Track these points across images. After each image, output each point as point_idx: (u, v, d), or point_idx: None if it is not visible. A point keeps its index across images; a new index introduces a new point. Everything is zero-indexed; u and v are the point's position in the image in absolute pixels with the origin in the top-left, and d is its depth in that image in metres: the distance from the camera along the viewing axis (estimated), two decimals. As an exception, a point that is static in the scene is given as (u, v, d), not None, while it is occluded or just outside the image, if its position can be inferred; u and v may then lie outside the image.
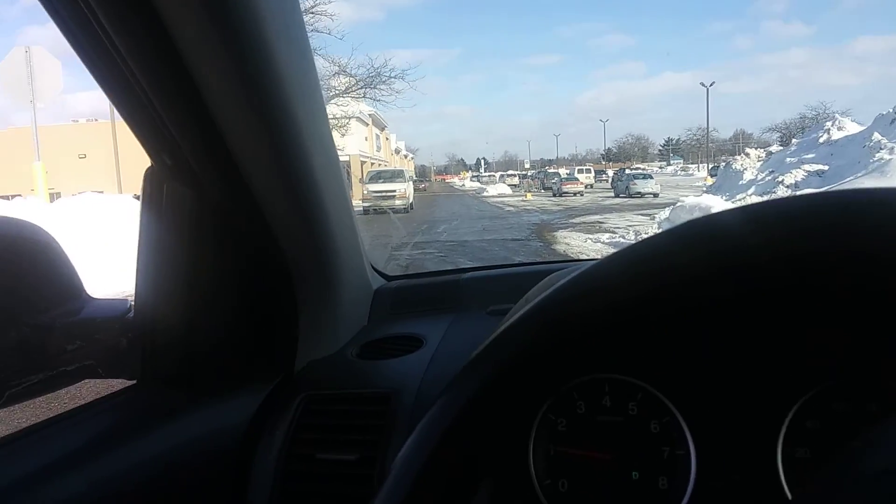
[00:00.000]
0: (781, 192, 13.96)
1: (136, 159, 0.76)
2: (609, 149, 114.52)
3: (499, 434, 0.47)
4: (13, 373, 0.62)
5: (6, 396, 0.61)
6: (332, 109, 24.01)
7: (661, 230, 0.45)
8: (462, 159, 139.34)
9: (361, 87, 22.25)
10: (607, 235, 11.38)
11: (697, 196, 14.59)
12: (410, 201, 22.09)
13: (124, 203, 10.01)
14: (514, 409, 0.49)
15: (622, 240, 10.46)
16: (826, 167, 14.65)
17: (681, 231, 0.41)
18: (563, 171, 48.22)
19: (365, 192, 21.33)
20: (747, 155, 18.68)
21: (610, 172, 51.68)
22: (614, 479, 0.57)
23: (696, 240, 0.41)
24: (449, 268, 4.35)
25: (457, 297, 1.12)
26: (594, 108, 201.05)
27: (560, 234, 12.32)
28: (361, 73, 21.97)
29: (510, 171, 71.20)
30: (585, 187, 35.81)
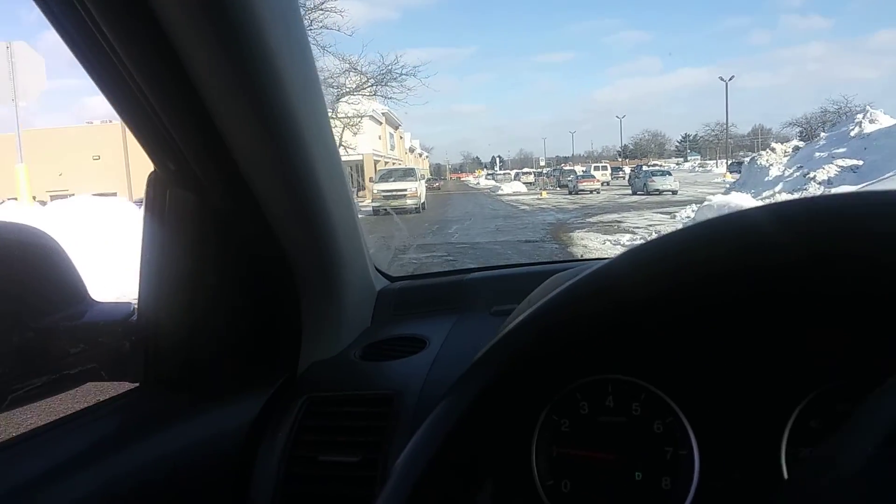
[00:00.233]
0: (813, 190, 13.23)
1: (148, 161, 0.75)
2: (625, 145, 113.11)
3: (502, 435, 0.47)
4: (17, 376, 0.63)
5: (10, 400, 0.62)
6: (343, 108, 23.53)
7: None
8: (477, 157, 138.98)
9: (372, 85, 21.66)
10: (627, 237, 10.68)
11: (725, 194, 13.82)
12: (422, 201, 21.34)
13: (118, 206, 9.58)
14: (517, 411, 0.49)
15: (644, 241, 9.71)
16: (861, 162, 13.79)
17: (701, 228, 0.41)
18: (578, 169, 47.62)
19: (374, 191, 20.65)
20: (773, 150, 17.81)
21: (627, 169, 51.04)
22: (617, 480, 0.57)
23: (719, 237, 0.40)
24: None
25: (460, 298, 1.11)
26: (610, 105, 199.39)
27: (577, 234, 11.69)
28: (372, 71, 21.40)
29: (525, 169, 70.55)
30: (602, 185, 35.41)
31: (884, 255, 0.36)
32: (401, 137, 55.38)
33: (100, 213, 8.50)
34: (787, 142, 19.43)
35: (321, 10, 18.89)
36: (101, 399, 0.74)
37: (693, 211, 14.18)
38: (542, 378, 0.48)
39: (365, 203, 21.73)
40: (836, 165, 13.94)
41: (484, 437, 0.45)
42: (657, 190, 25.76)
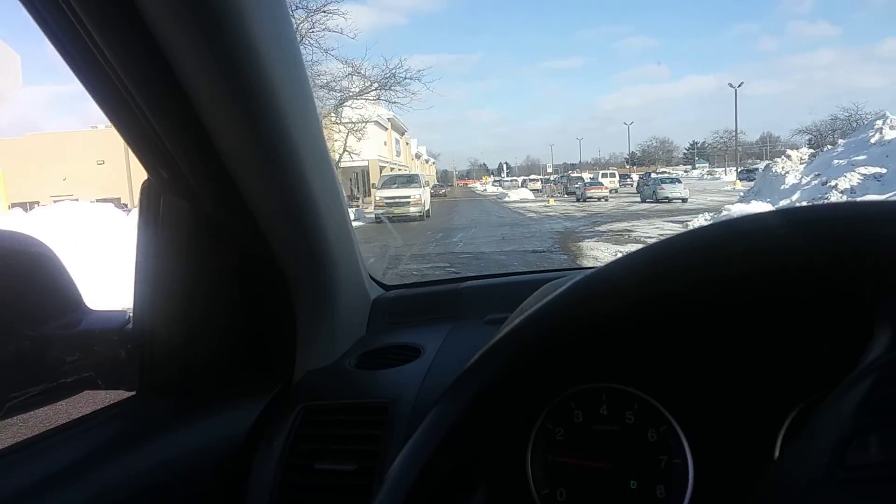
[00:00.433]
0: (836, 198, 12.57)
1: (145, 166, 0.77)
2: (633, 152, 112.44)
3: (495, 442, 0.47)
4: (13, 385, 0.63)
5: (6, 408, 0.62)
6: (347, 112, 23.04)
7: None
8: (484, 164, 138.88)
9: (376, 89, 21.18)
10: (640, 248, 10.03)
11: (745, 203, 13.14)
12: (426, 208, 20.61)
13: (102, 212, 9.12)
14: (511, 418, 0.50)
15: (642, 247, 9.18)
16: (884, 170, 13.17)
17: (715, 228, 0.41)
18: (586, 176, 46.98)
19: (377, 198, 20.05)
20: (788, 157, 17.18)
21: (635, 177, 50.53)
22: (612, 488, 0.57)
23: (730, 239, 0.40)
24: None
25: (455, 307, 1.11)
26: (618, 112, 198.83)
27: (586, 244, 11.17)
28: (376, 75, 20.92)
29: (532, 176, 70.04)
30: (610, 192, 35.06)
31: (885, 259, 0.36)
32: (407, 143, 55.10)
33: (85, 219, 8.10)
34: (795, 149, 18.72)
35: (324, 11, 18.47)
36: (97, 407, 0.74)
37: (706, 220, 13.62)
38: (536, 385, 0.48)
39: (369, 210, 21.21)
40: (858, 174, 13.34)
41: (477, 444, 0.45)
42: (667, 198, 25.39)
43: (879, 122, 15.49)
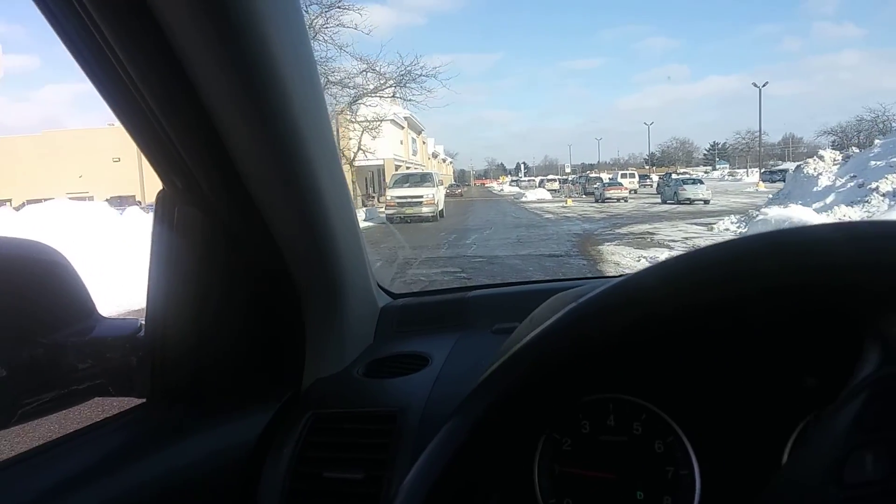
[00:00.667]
0: (877, 202, 11.89)
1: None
2: (653, 153, 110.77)
3: (506, 454, 0.48)
4: (26, 391, 0.64)
5: (19, 415, 0.63)
6: (362, 111, 22.55)
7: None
8: (501, 164, 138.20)
9: (391, 86, 20.65)
10: (665, 252, 9.36)
11: (783, 207, 12.39)
12: (440, 208, 19.89)
13: (96, 210, 8.76)
14: (522, 430, 0.50)
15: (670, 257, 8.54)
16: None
17: (756, 239, 0.40)
18: (605, 176, 46.06)
19: (388, 197, 19.43)
20: (821, 158, 16.27)
21: (654, 177, 49.38)
22: (619, 499, 0.58)
23: (775, 252, 0.39)
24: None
25: (462, 315, 1.10)
26: (637, 112, 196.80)
27: (606, 248, 10.55)
28: (391, 72, 20.39)
29: (550, 176, 69.27)
30: (630, 193, 34.22)
31: None
32: (424, 142, 54.70)
33: (74, 217, 7.79)
34: (817, 151, 17.80)
35: (338, 7, 18.00)
36: (109, 414, 0.74)
37: (732, 223, 12.90)
38: (549, 396, 0.47)
39: (382, 210, 20.66)
40: (902, 175, 12.45)
41: (489, 457, 0.45)
42: (688, 199, 24.81)
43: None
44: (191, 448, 0.72)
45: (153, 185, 0.75)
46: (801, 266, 0.37)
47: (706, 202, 23.86)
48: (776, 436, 0.54)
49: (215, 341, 0.79)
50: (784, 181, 19.98)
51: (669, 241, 11.44)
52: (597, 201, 29.79)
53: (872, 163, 13.97)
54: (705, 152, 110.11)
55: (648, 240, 11.79)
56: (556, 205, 28.32)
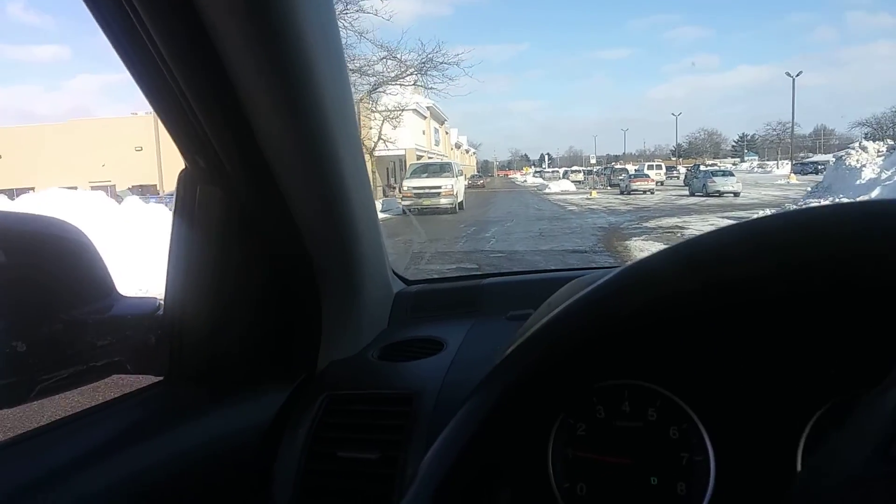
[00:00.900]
0: (928, 194, 10.82)
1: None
2: (679, 144, 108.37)
3: (522, 437, 0.48)
4: (45, 367, 0.65)
5: (38, 390, 0.63)
6: (383, 100, 21.95)
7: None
8: (525, 154, 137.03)
9: (411, 74, 20.04)
10: (678, 242, 8.65)
11: (824, 201, 11.55)
12: (459, 200, 19.10)
13: (92, 200, 8.41)
14: (536, 414, 0.49)
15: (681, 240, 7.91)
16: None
17: (789, 217, 0.40)
18: (631, 168, 44.85)
19: (404, 188, 18.77)
20: (864, 149, 15.41)
21: (681, 169, 48.07)
22: (632, 484, 0.58)
23: (785, 230, 0.39)
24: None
25: (476, 302, 1.10)
26: (664, 103, 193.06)
27: (633, 243, 9.98)
28: (412, 60, 19.77)
29: (574, 167, 68.29)
30: (656, 184, 33.41)
31: None
32: (447, 133, 54.09)
33: (65, 207, 7.45)
34: (849, 143, 16.72)
35: (359, -8, 17.42)
36: (126, 391, 0.75)
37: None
38: (565, 380, 0.48)
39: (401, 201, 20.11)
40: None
41: (506, 439, 0.45)
42: (718, 191, 24.10)
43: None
44: (207, 426, 0.73)
45: (172, 176, 0.72)
46: (822, 239, 0.36)
47: (736, 195, 23.20)
48: (793, 423, 0.54)
49: (234, 321, 0.80)
50: (815, 173, 19.00)
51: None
52: (622, 193, 29.26)
53: (921, 154, 13.07)
54: (733, 143, 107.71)
55: (679, 235, 11.30)
56: (581, 196, 27.84)
